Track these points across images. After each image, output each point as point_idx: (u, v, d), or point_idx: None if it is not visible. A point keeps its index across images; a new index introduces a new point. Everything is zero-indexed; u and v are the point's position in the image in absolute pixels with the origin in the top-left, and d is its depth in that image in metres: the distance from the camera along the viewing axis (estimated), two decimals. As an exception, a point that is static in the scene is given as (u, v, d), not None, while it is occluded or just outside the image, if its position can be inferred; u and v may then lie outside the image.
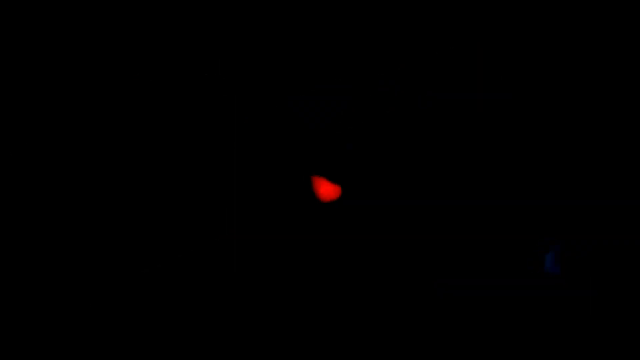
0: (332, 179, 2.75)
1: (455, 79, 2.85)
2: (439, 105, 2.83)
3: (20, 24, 2.84)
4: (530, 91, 2.84)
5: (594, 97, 2.84)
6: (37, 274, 2.77)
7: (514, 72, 2.85)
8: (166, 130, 2.86)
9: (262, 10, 2.85)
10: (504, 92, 2.84)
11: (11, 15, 2.84)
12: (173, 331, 2.75)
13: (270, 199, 2.84)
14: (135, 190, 2.84)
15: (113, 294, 2.76)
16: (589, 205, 2.80)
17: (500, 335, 2.74)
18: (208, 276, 2.79)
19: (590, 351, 2.70)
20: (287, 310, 2.78)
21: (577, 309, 2.73)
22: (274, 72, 2.83)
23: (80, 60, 2.85)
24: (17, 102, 2.84)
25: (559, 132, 2.84)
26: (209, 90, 2.86)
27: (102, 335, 2.73)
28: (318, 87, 2.84)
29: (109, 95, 2.86)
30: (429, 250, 2.80)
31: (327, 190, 2.74)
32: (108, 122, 2.86)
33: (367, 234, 2.81)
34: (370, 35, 2.85)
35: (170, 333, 2.75)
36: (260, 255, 2.81)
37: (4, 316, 2.73)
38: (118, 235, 2.81)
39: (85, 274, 2.78)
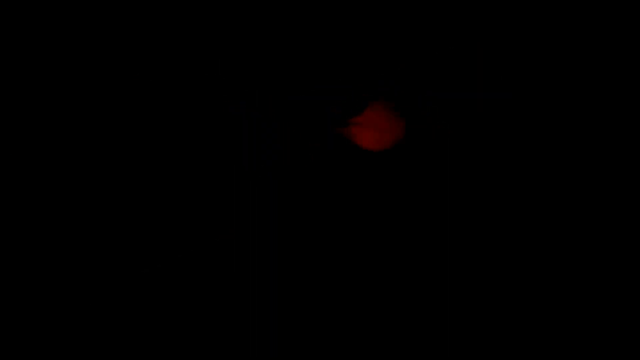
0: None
1: (455, 79, 2.85)
2: (439, 105, 2.83)
3: (20, 23, 2.84)
4: (530, 91, 2.85)
5: (594, 97, 2.84)
6: (37, 273, 2.77)
7: (514, 72, 2.85)
8: (165, 131, 2.86)
9: (261, 10, 2.85)
10: (504, 92, 2.84)
11: (11, 15, 2.84)
12: (173, 331, 2.75)
13: (269, 197, 2.85)
14: (134, 191, 2.84)
15: (113, 293, 2.76)
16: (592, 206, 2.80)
17: None
18: (208, 276, 2.79)
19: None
20: (286, 310, 2.78)
21: None
22: (272, 72, 2.83)
23: (80, 61, 2.85)
24: (21, 102, 2.84)
25: (559, 132, 2.84)
26: (208, 90, 2.86)
27: (102, 335, 2.73)
28: (318, 87, 2.84)
29: (109, 95, 2.86)
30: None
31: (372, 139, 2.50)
32: (107, 122, 2.86)
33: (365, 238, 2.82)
34: (370, 35, 2.85)
35: (169, 333, 2.75)
36: (260, 254, 2.81)
37: (4, 316, 2.73)
38: (118, 235, 2.81)
39: (85, 274, 2.78)
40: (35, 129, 2.85)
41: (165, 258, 2.80)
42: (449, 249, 2.80)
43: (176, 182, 2.86)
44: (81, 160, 2.85)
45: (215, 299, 2.78)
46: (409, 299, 2.78)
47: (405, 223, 2.82)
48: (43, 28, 2.85)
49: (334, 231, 2.81)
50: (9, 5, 2.83)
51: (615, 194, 2.80)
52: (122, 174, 2.85)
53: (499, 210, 2.82)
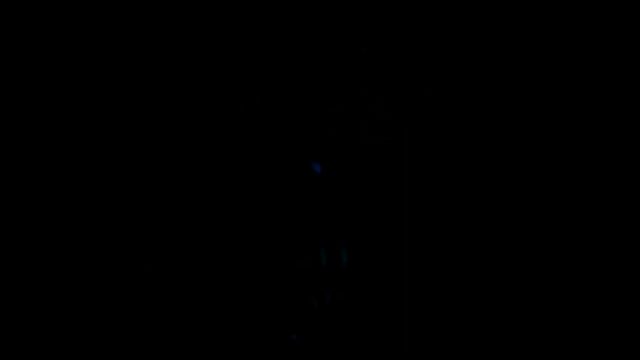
0: None
1: (455, 79, 2.85)
2: (439, 105, 2.84)
3: (21, 24, 2.84)
4: (530, 91, 2.85)
5: (594, 97, 2.84)
6: (37, 273, 2.77)
7: (514, 72, 2.85)
8: (165, 131, 2.86)
9: (263, 11, 2.86)
10: (504, 92, 2.85)
11: (11, 15, 2.84)
12: (172, 331, 2.76)
13: (267, 196, 2.85)
14: (135, 191, 2.84)
15: (113, 293, 2.77)
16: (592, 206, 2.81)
17: None
18: (207, 276, 2.80)
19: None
20: (285, 309, 2.78)
21: None
22: (274, 72, 2.84)
23: (81, 62, 2.86)
24: (27, 103, 2.84)
25: (558, 132, 2.84)
26: (209, 90, 2.86)
27: (103, 334, 2.74)
28: (318, 87, 2.84)
29: (110, 96, 2.86)
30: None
31: None
32: (110, 124, 2.86)
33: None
34: (371, 36, 2.85)
35: (169, 333, 2.75)
36: (258, 254, 2.82)
37: (5, 316, 2.73)
38: (119, 235, 2.81)
39: (86, 274, 2.78)
40: (38, 130, 2.85)
41: (165, 258, 2.80)
42: (449, 248, 2.80)
43: (176, 183, 2.86)
44: (83, 162, 2.85)
45: (213, 299, 2.78)
46: (409, 298, 2.78)
47: (405, 222, 2.82)
48: (58, 29, 2.85)
49: (334, 231, 2.82)
50: (9, 5, 2.83)
51: (614, 193, 2.80)
52: (123, 175, 2.85)
53: (499, 209, 2.82)
